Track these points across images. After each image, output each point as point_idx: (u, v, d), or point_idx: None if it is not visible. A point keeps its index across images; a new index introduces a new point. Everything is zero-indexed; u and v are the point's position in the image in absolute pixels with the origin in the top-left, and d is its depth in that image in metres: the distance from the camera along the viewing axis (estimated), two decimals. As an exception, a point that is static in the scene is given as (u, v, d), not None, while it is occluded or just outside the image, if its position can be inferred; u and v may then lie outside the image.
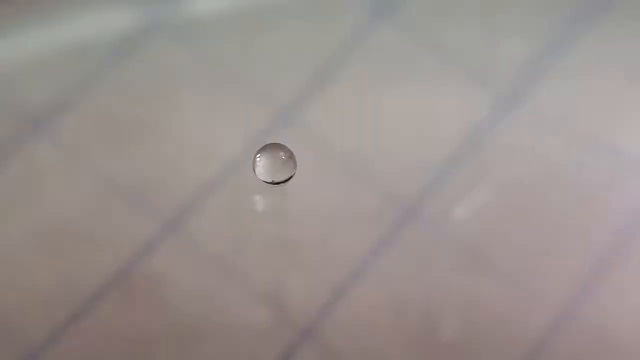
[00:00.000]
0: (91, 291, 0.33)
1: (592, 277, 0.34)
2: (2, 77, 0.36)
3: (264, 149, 0.34)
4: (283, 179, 0.34)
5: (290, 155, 0.34)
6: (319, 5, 0.38)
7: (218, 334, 0.33)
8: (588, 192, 0.35)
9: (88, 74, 0.36)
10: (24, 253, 0.34)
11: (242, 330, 0.33)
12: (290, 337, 0.33)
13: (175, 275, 0.34)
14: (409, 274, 0.34)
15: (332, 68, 0.37)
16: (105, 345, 0.33)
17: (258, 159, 0.34)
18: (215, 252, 0.34)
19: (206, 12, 0.38)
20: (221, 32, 0.37)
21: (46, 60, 0.37)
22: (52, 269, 0.34)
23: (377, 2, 0.38)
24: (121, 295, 0.33)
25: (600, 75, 0.37)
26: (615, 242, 0.34)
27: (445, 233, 0.34)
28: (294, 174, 0.34)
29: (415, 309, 0.33)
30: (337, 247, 0.34)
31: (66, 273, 0.34)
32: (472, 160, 0.35)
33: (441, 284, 0.34)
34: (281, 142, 0.34)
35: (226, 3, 0.38)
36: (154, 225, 0.34)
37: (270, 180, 0.34)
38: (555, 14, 0.38)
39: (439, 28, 0.38)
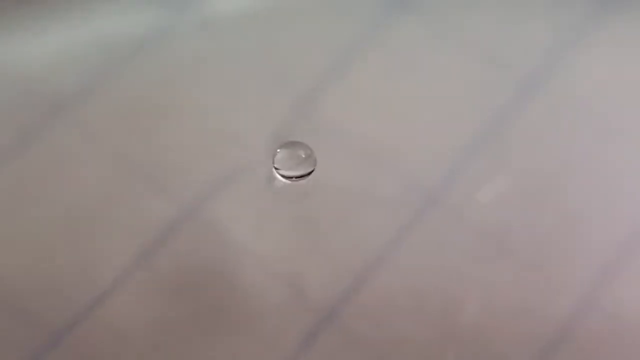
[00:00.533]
0: (114, 275, 0.34)
1: (612, 266, 0.34)
2: (32, 68, 0.37)
3: (284, 146, 0.34)
4: (300, 176, 0.34)
5: (310, 154, 0.34)
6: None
7: (240, 318, 0.33)
8: (609, 181, 0.35)
9: (113, 65, 0.37)
10: (46, 237, 0.34)
11: (263, 315, 0.33)
12: (311, 321, 0.33)
13: (196, 259, 0.34)
14: (429, 260, 0.34)
15: (351, 56, 0.37)
16: (128, 328, 0.33)
17: (278, 156, 0.34)
18: (236, 237, 0.34)
19: (227, 6, 0.38)
20: (241, 24, 0.37)
21: (73, 52, 0.37)
22: (75, 252, 0.34)
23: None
24: (143, 279, 0.34)
25: (626, 61, 0.37)
26: (636, 231, 0.34)
27: (466, 220, 0.35)
28: (312, 170, 0.34)
29: (436, 295, 0.34)
30: (358, 233, 0.34)
31: (89, 257, 0.34)
32: (493, 148, 0.35)
33: (461, 271, 0.34)
34: (301, 131, 0.35)
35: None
36: (175, 210, 0.34)
37: (291, 176, 0.34)
38: (578, 1, 0.38)
39: (459, 14, 0.38)
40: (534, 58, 0.37)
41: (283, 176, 0.34)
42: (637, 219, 0.35)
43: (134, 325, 0.33)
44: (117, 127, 0.36)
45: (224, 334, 0.33)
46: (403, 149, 0.35)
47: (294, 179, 0.34)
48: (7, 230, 0.34)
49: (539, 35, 0.37)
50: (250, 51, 0.37)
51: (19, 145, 0.35)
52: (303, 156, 0.34)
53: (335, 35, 0.37)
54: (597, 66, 0.37)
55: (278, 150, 0.34)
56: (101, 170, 0.35)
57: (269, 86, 0.36)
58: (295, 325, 0.33)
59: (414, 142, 0.36)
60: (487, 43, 0.37)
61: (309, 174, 0.34)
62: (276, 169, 0.34)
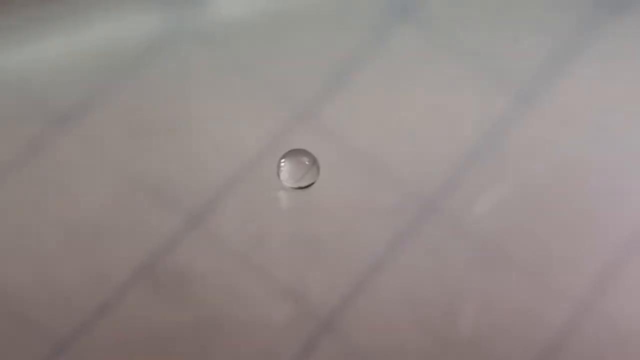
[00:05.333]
0: (117, 285, 0.34)
1: (611, 272, 0.34)
2: (34, 78, 0.37)
3: (289, 154, 0.34)
4: (306, 184, 0.35)
5: (314, 161, 0.34)
6: (338, 8, 0.38)
7: (240, 326, 0.33)
8: (607, 188, 0.35)
9: (115, 75, 0.37)
10: (52, 248, 0.34)
11: (263, 324, 0.33)
12: (310, 330, 0.33)
13: (198, 269, 0.34)
14: (427, 269, 0.34)
15: (352, 68, 0.37)
16: (130, 338, 0.33)
17: (282, 165, 0.34)
18: (238, 247, 0.34)
19: (230, 16, 0.38)
20: (244, 34, 0.38)
21: (74, 64, 0.37)
22: (79, 263, 0.34)
23: (395, 3, 0.38)
24: (146, 290, 0.34)
25: (620, 71, 0.37)
26: (634, 237, 0.34)
27: (464, 229, 0.35)
28: (316, 180, 0.35)
29: (434, 303, 0.34)
30: (357, 242, 0.35)
31: (93, 267, 0.34)
32: (491, 157, 0.36)
33: (460, 279, 0.34)
34: (302, 141, 0.35)
35: (249, 7, 0.38)
36: (178, 221, 0.35)
37: (295, 186, 0.35)
38: (574, 11, 0.38)
39: (457, 27, 0.38)
40: (531, 68, 0.37)
41: (291, 187, 0.35)
42: (634, 227, 0.35)
43: (136, 334, 0.33)
44: (118, 138, 0.36)
45: (225, 343, 0.33)
46: (402, 158, 0.36)
47: (303, 187, 0.35)
48: (11, 241, 0.34)
49: (536, 46, 0.37)
50: (251, 62, 0.37)
51: (22, 157, 0.36)
52: (307, 163, 0.34)
53: (336, 46, 0.37)
54: (593, 75, 0.37)
55: (282, 162, 0.34)
56: (103, 180, 0.35)
57: (270, 96, 0.37)
58: (295, 333, 0.33)
59: (412, 151, 0.36)
60: (485, 54, 0.37)
61: (314, 182, 0.35)
62: (281, 178, 0.35)
